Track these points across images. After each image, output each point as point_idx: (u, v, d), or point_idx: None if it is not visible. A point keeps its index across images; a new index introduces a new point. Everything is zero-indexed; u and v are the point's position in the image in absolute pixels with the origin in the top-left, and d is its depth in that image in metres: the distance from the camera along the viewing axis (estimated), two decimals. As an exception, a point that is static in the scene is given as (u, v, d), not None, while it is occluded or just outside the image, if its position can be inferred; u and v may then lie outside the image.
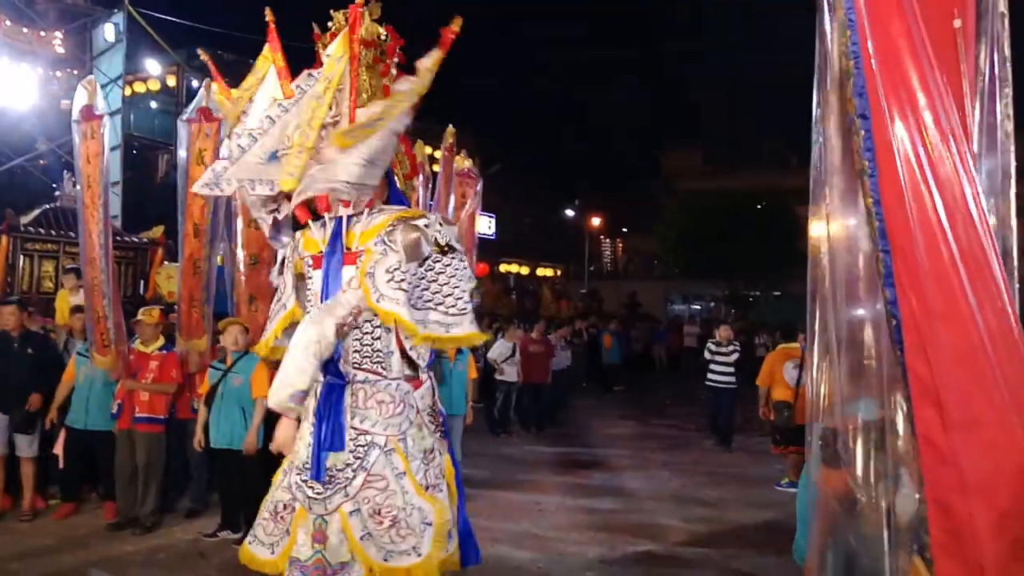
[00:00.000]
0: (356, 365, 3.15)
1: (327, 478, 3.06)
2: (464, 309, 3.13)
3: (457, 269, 3.17)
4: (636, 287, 33.67)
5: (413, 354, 3.18)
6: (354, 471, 3.07)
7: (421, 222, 3.14)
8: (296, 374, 2.95)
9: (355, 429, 3.10)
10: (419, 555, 3.00)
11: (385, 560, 3.01)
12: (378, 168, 3.12)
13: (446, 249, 3.16)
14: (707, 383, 10.84)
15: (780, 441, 8.09)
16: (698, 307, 37.39)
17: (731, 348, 10.71)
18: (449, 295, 3.14)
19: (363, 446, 3.08)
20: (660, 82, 47.46)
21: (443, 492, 3.18)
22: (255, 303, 6.97)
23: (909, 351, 2.29)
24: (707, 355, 10.89)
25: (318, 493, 3.08)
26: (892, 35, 2.37)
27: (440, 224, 3.19)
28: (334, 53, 3.06)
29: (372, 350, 3.14)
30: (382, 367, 3.14)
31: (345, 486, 3.07)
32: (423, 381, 3.28)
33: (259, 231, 6.94)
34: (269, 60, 3.17)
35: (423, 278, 3.14)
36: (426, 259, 3.14)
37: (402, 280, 3.07)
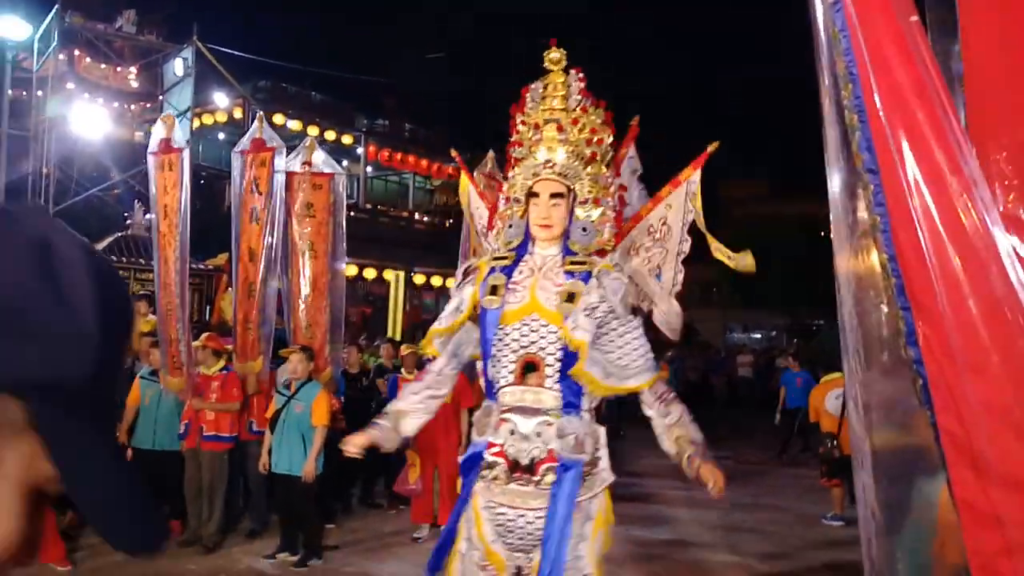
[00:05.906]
0: None
1: None
2: None
3: None
4: (694, 315, 33.17)
5: None
6: None
7: None
8: None
9: None
10: None
11: None
12: None
13: None
14: None
15: (826, 473, 7.95)
16: (758, 336, 36.68)
17: None
18: None
19: None
20: (720, 108, 47.15)
21: None
22: (310, 329, 7.20)
23: (939, 410, 2.16)
24: None
25: None
26: (900, 84, 2.21)
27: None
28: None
29: None
30: None
31: None
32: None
33: (319, 260, 7.20)
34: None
35: None
36: None
37: None
